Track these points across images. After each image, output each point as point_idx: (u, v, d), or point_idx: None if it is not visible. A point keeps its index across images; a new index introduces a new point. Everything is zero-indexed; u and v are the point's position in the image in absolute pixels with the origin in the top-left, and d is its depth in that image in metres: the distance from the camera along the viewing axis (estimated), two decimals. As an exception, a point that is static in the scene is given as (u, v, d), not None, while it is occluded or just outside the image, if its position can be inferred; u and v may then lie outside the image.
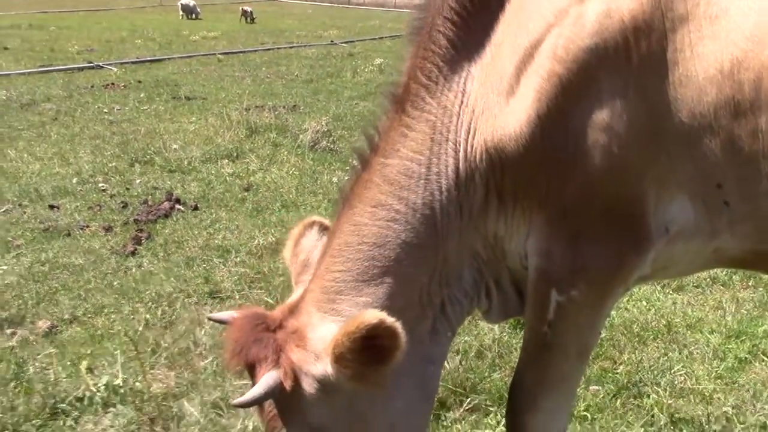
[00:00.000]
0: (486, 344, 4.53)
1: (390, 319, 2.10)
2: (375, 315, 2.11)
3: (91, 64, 18.09)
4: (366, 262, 2.35)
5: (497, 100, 2.24)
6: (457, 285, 2.49)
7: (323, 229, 2.68)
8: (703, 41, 2.04)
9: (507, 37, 2.28)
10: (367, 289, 2.34)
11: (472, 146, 2.30)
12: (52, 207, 7.37)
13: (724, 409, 3.91)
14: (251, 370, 2.32)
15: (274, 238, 6.42)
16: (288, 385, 2.24)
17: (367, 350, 2.11)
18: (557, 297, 2.32)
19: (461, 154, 2.32)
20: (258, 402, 2.27)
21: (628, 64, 2.09)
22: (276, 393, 2.25)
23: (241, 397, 2.26)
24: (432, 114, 2.34)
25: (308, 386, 2.28)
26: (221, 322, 2.56)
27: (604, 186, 2.16)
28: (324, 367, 2.23)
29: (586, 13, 2.11)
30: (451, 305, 2.51)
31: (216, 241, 6.47)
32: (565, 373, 2.48)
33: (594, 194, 2.18)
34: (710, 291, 5.41)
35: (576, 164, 2.15)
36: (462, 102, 2.32)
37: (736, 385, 4.16)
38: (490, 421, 3.84)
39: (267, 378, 2.24)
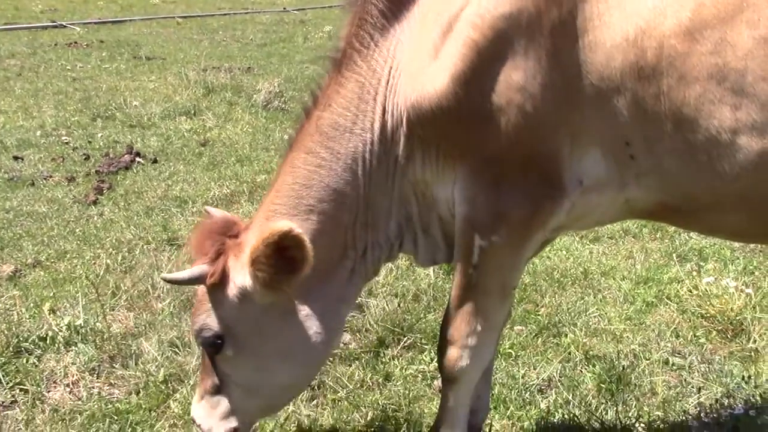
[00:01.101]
0: (422, 288, 4.54)
1: (298, 230, 2.25)
2: (286, 224, 2.27)
3: (55, 23, 17.40)
4: (297, 199, 2.48)
5: (422, 64, 2.28)
6: (383, 231, 2.59)
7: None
8: (611, 11, 2.06)
9: (432, 8, 2.32)
10: (297, 222, 2.40)
11: (397, 104, 2.37)
12: (16, 158, 7.12)
13: (633, 346, 3.99)
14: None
15: (228, 190, 6.33)
16: (209, 281, 2.44)
17: (279, 258, 2.26)
18: (480, 241, 2.36)
19: (388, 112, 2.40)
20: (180, 282, 2.58)
21: (541, 30, 2.10)
22: (197, 282, 2.48)
23: (171, 274, 2.55)
24: (362, 75, 2.43)
25: (229, 290, 2.46)
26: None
27: (520, 140, 2.18)
28: (244, 277, 2.41)
29: None
30: (372, 250, 2.62)
31: (174, 192, 6.33)
32: (488, 311, 2.51)
33: (511, 148, 2.20)
34: (622, 242, 5.49)
35: (493, 120, 2.17)
36: (391, 66, 2.40)
37: (643, 325, 4.25)
38: (424, 357, 3.86)
39: (195, 269, 2.46)
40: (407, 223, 2.61)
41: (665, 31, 2.01)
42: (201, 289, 2.55)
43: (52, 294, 4.39)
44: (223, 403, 2.61)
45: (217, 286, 2.47)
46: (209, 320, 2.51)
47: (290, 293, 2.43)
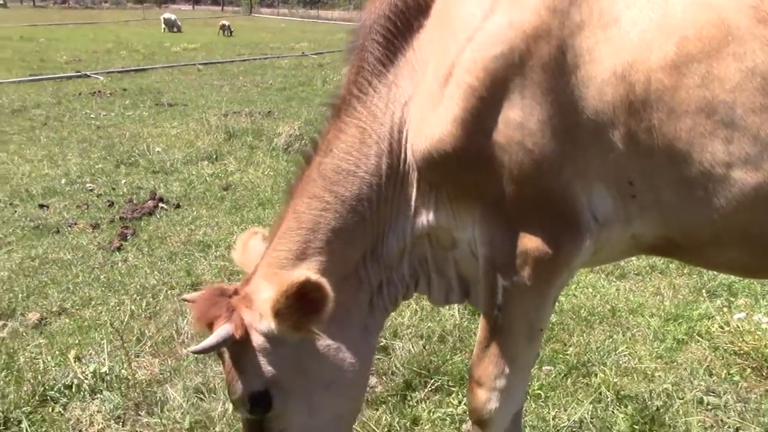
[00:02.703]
0: (448, 329, 4.49)
1: (315, 276, 2.26)
2: (302, 273, 2.26)
3: (79, 74, 17.79)
4: (303, 243, 2.47)
5: (424, 109, 2.29)
6: (397, 270, 2.60)
7: (264, 238, 2.77)
8: (599, 46, 2.06)
9: (431, 54, 2.34)
10: (304, 265, 2.43)
11: (402, 148, 2.40)
12: (41, 206, 7.20)
13: (665, 386, 3.91)
14: (210, 329, 2.41)
15: (251, 234, 6.33)
16: (238, 335, 2.35)
17: (300, 304, 2.24)
18: (503, 282, 2.33)
19: (392, 155, 2.42)
20: (211, 350, 2.37)
21: (533, 68, 2.10)
22: (228, 343, 2.36)
23: (197, 345, 2.37)
24: (362, 121, 2.45)
25: (256, 340, 2.41)
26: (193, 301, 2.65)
27: (526, 179, 2.17)
28: (268, 323, 2.36)
29: (492, 27, 2.14)
30: (387, 287, 2.63)
31: (197, 237, 6.36)
32: (516, 353, 2.46)
33: (519, 187, 2.19)
34: (650, 278, 5.43)
35: (497, 160, 2.17)
36: (392, 111, 2.42)
37: (675, 364, 4.17)
38: (452, 400, 3.79)
39: (220, 330, 2.35)
40: (421, 264, 2.61)
41: (651, 65, 2.00)
42: (225, 360, 2.47)
43: (77, 341, 4.39)
44: None
45: (241, 345, 2.39)
46: (248, 382, 2.43)
47: (319, 331, 2.40)
